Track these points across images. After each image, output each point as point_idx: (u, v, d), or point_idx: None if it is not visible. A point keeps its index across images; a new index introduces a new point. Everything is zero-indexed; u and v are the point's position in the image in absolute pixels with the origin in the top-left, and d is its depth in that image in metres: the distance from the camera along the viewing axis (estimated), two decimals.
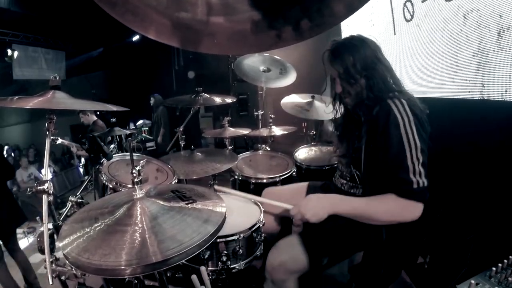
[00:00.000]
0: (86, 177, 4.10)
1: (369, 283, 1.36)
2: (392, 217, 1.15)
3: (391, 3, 2.47)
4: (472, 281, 0.94)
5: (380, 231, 1.27)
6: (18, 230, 4.23)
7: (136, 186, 1.07)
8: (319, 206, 1.22)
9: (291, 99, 2.65)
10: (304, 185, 1.72)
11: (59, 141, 4.61)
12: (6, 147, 6.51)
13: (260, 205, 1.63)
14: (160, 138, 6.00)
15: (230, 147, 2.61)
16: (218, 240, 1.37)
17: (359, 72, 1.26)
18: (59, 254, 1.20)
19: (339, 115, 1.54)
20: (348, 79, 1.29)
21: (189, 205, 1.07)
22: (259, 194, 1.79)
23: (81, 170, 4.76)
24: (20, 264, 2.76)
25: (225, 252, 1.39)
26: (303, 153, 2.56)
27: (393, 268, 1.37)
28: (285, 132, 2.64)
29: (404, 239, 1.31)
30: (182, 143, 2.33)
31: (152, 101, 6.12)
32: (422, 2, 2.09)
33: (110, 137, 3.50)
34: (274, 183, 2.15)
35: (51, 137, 1.24)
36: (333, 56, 1.33)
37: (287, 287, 1.32)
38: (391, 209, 1.14)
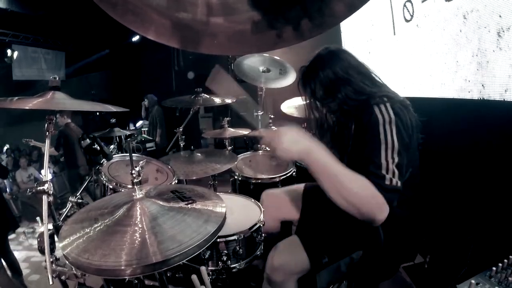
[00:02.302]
0: (86, 178, 4.09)
1: (366, 280, 1.36)
2: (356, 199, 1.00)
3: (391, 3, 2.47)
4: (472, 281, 0.94)
5: (377, 229, 1.27)
6: (18, 230, 4.25)
7: (135, 187, 1.07)
8: (295, 142, 1.06)
9: (291, 103, 2.64)
10: (300, 186, 1.71)
11: (32, 143, 4.62)
12: (5, 147, 6.51)
13: (261, 206, 1.63)
14: (158, 138, 5.99)
15: (230, 148, 2.61)
16: (218, 240, 1.37)
17: (328, 93, 1.24)
18: (59, 254, 1.20)
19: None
20: (322, 102, 1.30)
21: (189, 206, 1.07)
22: (259, 194, 1.79)
23: (87, 169, 4.75)
24: (9, 265, 2.77)
25: (225, 252, 1.39)
26: None
27: (390, 264, 1.37)
28: None
29: (402, 237, 1.31)
30: (182, 144, 2.33)
31: (146, 102, 6.11)
32: (422, 2, 2.09)
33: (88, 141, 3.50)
34: (274, 183, 2.15)
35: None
36: (301, 84, 1.33)
37: None
38: (361, 189, 1.00)
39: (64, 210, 1.52)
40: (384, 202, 0.99)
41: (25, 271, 3.12)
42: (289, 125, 1.12)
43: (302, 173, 2.32)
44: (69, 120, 4.16)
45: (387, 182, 1.03)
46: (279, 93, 2.79)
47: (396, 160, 1.04)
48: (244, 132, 2.72)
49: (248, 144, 3.33)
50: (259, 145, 2.74)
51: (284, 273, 1.29)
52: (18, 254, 3.63)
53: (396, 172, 1.03)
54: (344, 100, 1.22)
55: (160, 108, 5.95)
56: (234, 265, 1.42)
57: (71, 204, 1.53)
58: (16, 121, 6.65)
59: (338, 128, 1.39)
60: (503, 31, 1.47)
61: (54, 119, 1.25)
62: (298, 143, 1.06)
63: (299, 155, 1.05)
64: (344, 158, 1.32)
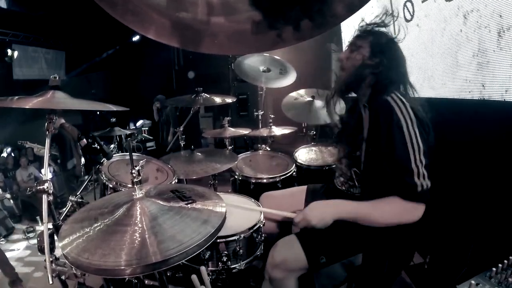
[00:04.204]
0: (86, 177, 4.10)
1: (370, 283, 1.36)
2: (395, 219, 1.17)
3: (391, 3, 2.47)
4: (472, 282, 0.94)
5: (378, 231, 1.27)
6: (18, 229, 4.26)
7: (135, 186, 1.07)
8: (324, 212, 1.23)
9: (291, 98, 2.63)
10: (303, 188, 1.72)
11: (28, 145, 4.62)
12: (6, 147, 6.51)
13: (261, 206, 1.63)
14: (171, 137, 5.95)
15: (230, 147, 2.61)
16: (218, 240, 1.37)
17: (378, 56, 1.27)
18: (59, 254, 1.20)
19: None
20: (370, 56, 1.29)
21: (189, 205, 1.07)
22: (259, 194, 1.79)
23: (82, 170, 4.77)
24: None
25: (225, 252, 1.39)
26: (303, 153, 2.56)
27: (393, 267, 1.37)
28: (285, 132, 2.64)
29: (404, 239, 1.31)
30: (182, 143, 2.33)
31: (158, 104, 6.09)
32: (422, 2, 2.09)
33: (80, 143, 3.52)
34: (274, 183, 2.15)
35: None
36: (368, 37, 1.33)
37: (286, 286, 1.32)
38: (395, 211, 1.15)
39: (64, 209, 1.52)
40: (417, 207, 1.13)
41: (25, 270, 3.12)
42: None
43: (302, 173, 2.32)
44: (62, 121, 4.05)
45: (419, 189, 1.11)
46: (279, 93, 2.78)
47: (424, 162, 1.12)
48: (244, 131, 2.72)
49: (248, 144, 3.34)
50: (259, 145, 2.74)
51: (284, 270, 1.30)
52: (18, 253, 3.64)
53: (425, 173, 1.12)
54: (389, 73, 1.25)
55: (173, 107, 5.91)
56: (234, 266, 1.42)
57: (71, 204, 1.53)
58: (17, 121, 6.65)
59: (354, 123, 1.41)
60: (504, 31, 1.47)
61: (55, 118, 1.25)
62: (328, 213, 1.22)
63: (334, 219, 1.21)
64: (362, 151, 1.32)
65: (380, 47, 1.28)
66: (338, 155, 1.52)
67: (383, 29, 1.35)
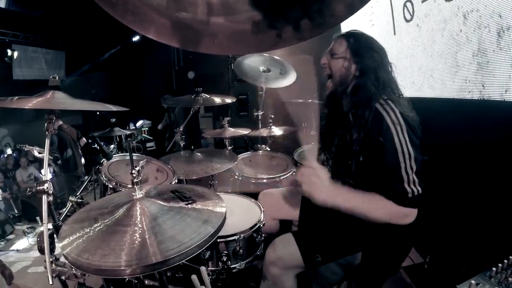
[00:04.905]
0: (86, 177, 4.09)
1: (367, 280, 1.35)
2: (387, 220, 1.15)
3: (391, 3, 2.47)
4: (472, 281, 0.94)
5: (374, 231, 1.26)
6: (18, 229, 4.26)
7: (135, 187, 1.07)
8: (320, 191, 1.15)
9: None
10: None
11: (27, 148, 4.60)
12: (7, 147, 6.51)
13: (261, 206, 1.63)
14: (179, 137, 5.93)
15: (230, 147, 2.61)
16: (218, 240, 1.37)
17: (360, 61, 1.26)
18: (59, 254, 1.20)
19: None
20: (352, 62, 1.27)
21: (189, 206, 1.07)
22: (259, 194, 1.79)
23: (83, 170, 4.78)
24: None
25: (226, 252, 1.39)
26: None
27: (390, 265, 1.37)
28: (285, 132, 2.64)
29: (401, 237, 1.31)
30: (182, 143, 2.33)
31: (161, 122, 6.08)
32: (422, 2, 2.09)
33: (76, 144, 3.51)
34: (274, 183, 2.15)
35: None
36: (347, 41, 1.31)
37: (284, 283, 1.32)
38: (386, 211, 1.14)
39: (64, 209, 1.52)
40: (409, 211, 1.13)
41: (24, 271, 3.13)
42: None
43: None
44: (60, 122, 4.01)
45: (410, 195, 1.12)
46: (279, 93, 2.78)
47: (414, 168, 1.12)
48: (244, 132, 2.72)
49: (248, 144, 3.34)
50: (259, 145, 2.74)
51: (280, 267, 1.30)
52: (18, 253, 3.65)
53: (416, 180, 1.12)
54: (371, 80, 1.22)
55: (181, 108, 5.88)
56: (234, 265, 1.42)
57: (71, 204, 1.53)
58: (18, 121, 6.65)
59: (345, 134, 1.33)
60: (503, 31, 1.47)
61: (54, 118, 1.25)
62: (321, 193, 1.15)
63: (323, 203, 1.16)
64: (352, 163, 1.27)
65: (361, 51, 1.26)
66: (325, 165, 1.43)
67: (362, 32, 1.34)
